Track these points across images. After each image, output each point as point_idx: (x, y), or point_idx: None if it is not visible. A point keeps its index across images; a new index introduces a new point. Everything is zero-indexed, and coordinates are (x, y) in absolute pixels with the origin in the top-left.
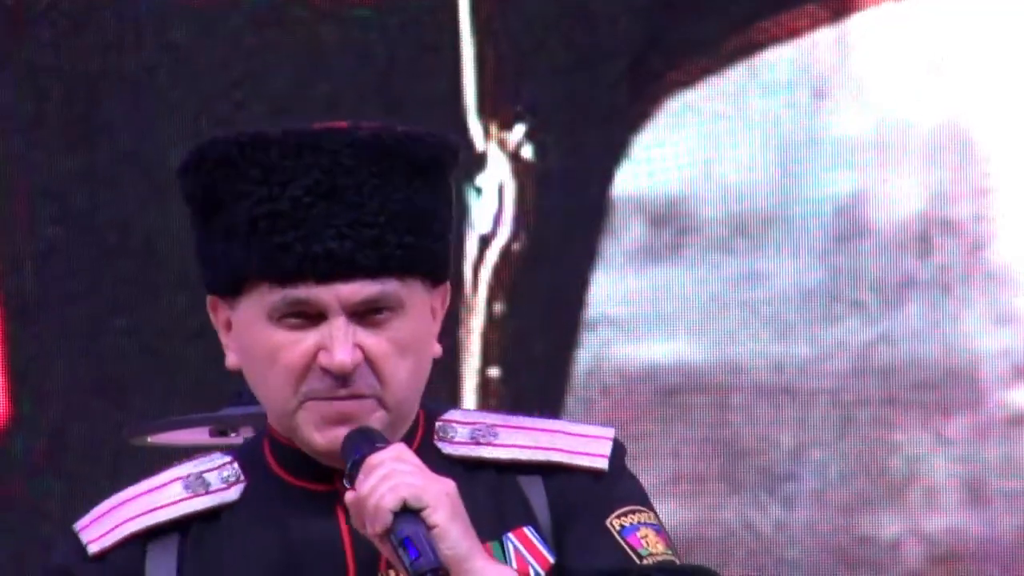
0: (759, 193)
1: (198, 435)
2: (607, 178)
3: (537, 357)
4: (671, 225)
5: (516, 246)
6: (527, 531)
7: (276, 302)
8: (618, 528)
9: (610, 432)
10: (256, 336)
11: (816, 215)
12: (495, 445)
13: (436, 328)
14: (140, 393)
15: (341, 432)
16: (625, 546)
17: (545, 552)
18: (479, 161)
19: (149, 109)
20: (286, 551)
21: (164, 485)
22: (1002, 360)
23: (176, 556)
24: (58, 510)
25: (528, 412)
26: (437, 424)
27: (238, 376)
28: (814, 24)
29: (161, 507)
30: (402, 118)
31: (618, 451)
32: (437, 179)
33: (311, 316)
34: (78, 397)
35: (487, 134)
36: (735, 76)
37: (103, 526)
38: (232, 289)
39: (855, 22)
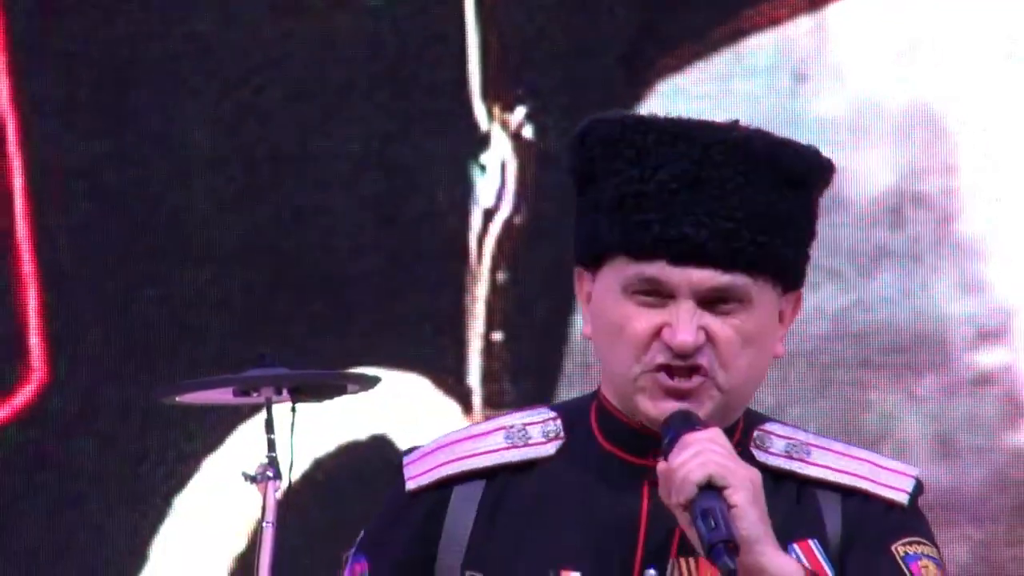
0: None
1: (223, 395)
2: None
3: (538, 322)
4: None
5: (517, 219)
6: (812, 544)
7: (631, 276)
8: (902, 554)
9: (915, 471)
10: (609, 306)
11: None
12: (806, 462)
13: (782, 331)
14: (167, 358)
15: (673, 406)
16: (906, 571)
17: (826, 567)
18: (483, 141)
19: (174, 94)
20: (586, 513)
21: (487, 433)
22: (968, 324)
23: (478, 501)
24: (90, 467)
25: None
26: (756, 432)
27: (259, 341)
28: (794, 13)
29: (479, 454)
30: (411, 102)
31: (918, 490)
32: (801, 191)
33: (662, 295)
34: (109, 361)
35: (490, 116)
36: (721, 61)
37: (424, 465)
38: (594, 260)
39: (832, 11)
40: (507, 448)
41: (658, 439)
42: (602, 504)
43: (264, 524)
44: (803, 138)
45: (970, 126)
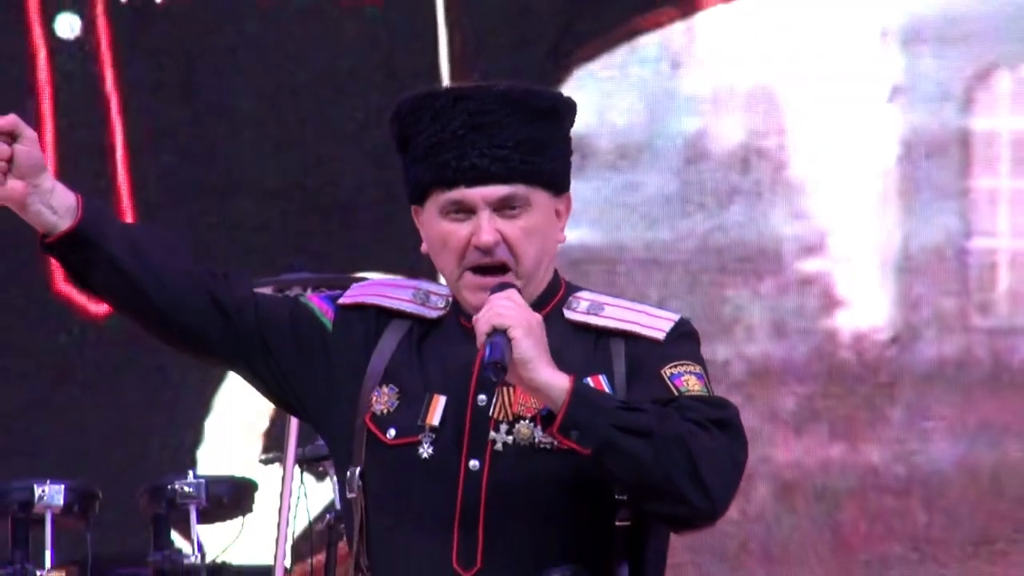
0: (635, 131)
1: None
2: None
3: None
4: (577, 152)
5: None
6: (600, 377)
7: (443, 202)
8: (668, 375)
9: (676, 316)
10: (433, 228)
11: (673, 145)
12: (599, 316)
13: (561, 223)
14: (224, 265)
15: (486, 296)
16: (671, 386)
17: (608, 392)
18: None
19: (230, 76)
20: (449, 359)
21: (402, 287)
22: (796, 242)
23: (401, 336)
24: (168, 345)
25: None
26: (570, 298)
27: (290, 253)
28: (672, 19)
29: (388, 297)
30: (398, 82)
31: (678, 327)
32: (554, 120)
33: (466, 211)
34: None
35: None
36: (620, 53)
37: (357, 292)
38: (419, 198)
39: (699, 17)
40: (408, 301)
41: None
42: (457, 353)
43: None
44: (678, 109)
45: (798, 100)
